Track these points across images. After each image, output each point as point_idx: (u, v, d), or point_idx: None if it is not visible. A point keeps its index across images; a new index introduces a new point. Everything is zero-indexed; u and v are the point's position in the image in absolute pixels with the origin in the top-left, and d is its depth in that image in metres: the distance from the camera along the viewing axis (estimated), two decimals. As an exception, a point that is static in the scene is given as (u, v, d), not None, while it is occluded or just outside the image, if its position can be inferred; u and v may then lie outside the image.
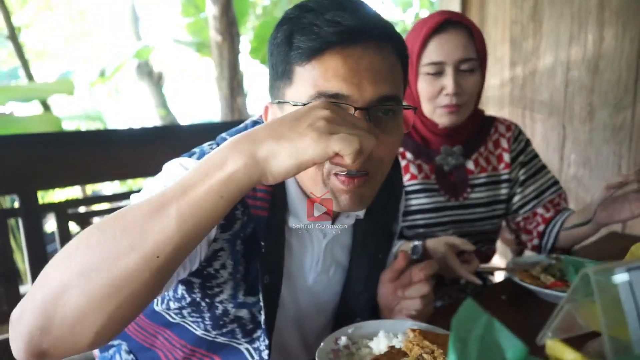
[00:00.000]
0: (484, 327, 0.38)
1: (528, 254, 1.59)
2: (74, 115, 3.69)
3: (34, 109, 3.41)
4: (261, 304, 0.81)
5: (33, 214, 1.39)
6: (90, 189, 3.57)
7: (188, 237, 0.55)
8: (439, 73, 1.24)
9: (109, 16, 4.84)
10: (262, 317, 0.83)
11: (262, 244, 0.79)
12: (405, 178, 1.34)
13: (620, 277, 0.38)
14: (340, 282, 0.98)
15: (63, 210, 1.48)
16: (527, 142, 1.43)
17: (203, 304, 0.81)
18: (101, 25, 5.97)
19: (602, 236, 1.53)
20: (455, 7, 2.54)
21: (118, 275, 0.53)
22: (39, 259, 1.39)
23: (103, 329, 0.55)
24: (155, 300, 0.86)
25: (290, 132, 0.57)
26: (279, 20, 0.77)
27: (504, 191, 1.41)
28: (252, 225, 0.79)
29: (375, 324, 0.85)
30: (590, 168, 2.23)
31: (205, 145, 0.83)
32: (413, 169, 1.35)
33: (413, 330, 0.77)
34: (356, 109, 0.70)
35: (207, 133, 1.52)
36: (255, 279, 0.81)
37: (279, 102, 0.77)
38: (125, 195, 1.68)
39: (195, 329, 0.87)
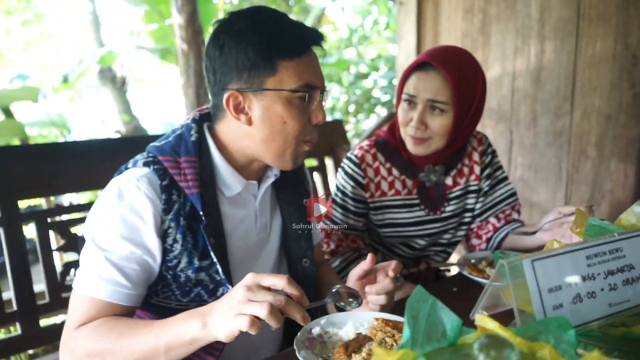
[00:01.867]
0: (430, 306, 0.51)
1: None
2: (37, 121, 3.66)
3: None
4: (214, 260, 0.98)
5: (14, 223, 1.44)
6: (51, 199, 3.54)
7: None
8: (412, 104, 1.34)
9: (68, 21, 4.79)
10: (220, 271, 0.99)
11: (201, 214, 0.96)
12: (390, 193, 1.44)
13: (527, 266, 0.52)
14: (279, 234, 1.18)
15: (43, 219, 1.53)
16: (494, 154, 1.53)
17: (168, 276, 0.99)
18: (60, 30, 5.87)
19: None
20: (411, 20, 2.70)
21: None
22: (20, 266, 1.45)
23: None
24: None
25: (227, 310, 0.81)
26: (252, 20, 0.95)
27: (471, 201, 1.51)
28: (189, 203, 0.97)
29: (343, 315, 0.97)
30: (535, 170, 2.43)
31: (138, 157, 1.00)
32: (398, 185, 1.44)
33: (377, 319, 0.90)
34: (322, 92, 1.00)
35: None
36: (204, 245, 0.99)
37: (260, 89, 0.95)
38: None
39: (170, 303, 1.01)
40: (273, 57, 0.93)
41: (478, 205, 1.53)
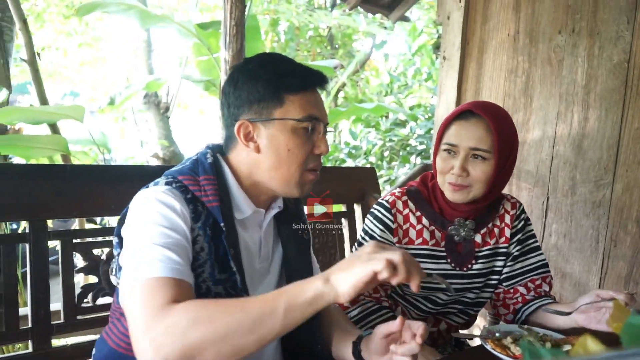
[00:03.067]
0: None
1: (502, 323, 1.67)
2: (80, 139, 3.79)
3: (41, 128, 3.51)
4: (234, 270, 1.02)
5: (41, 241, 1.46)
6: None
7: (285, 329, 0.82)
8: (453, 153, 1.35)
9: (123, 46, 5.03)
10: (239, 281, 1.03)
11: (222, 224, 1.02)
12: (418, 242, 1.43)
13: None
14: (278, 268, 1.22)
15: (70, 239, 1.55)
16: (527, 221, 1.51)
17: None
18: (114, 54, 6.15)
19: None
20: (453, 76, 2.70)
21: (239, 345, 0.81)
22: (41, 284, 1.46)
23: None
24: None
25: (349, 265, 0.83)
26: (263, 61, 1.08)
27: (499, 263, 1.48)
28: (212, 216, 1.02)
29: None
30: (570, 239, 2.34)
31: (157, 180, 1.05)
32: (426, 235, 1.43)
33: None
34: (325, 125, 1.10)
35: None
36: (224, 255, 1.03)
37: (269, 120, 1.04)
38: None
39: None
40: (280, 91, 1.04)
41: (506, 270, 1.49)
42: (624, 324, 0.64)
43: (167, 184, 1.02)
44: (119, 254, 1.03)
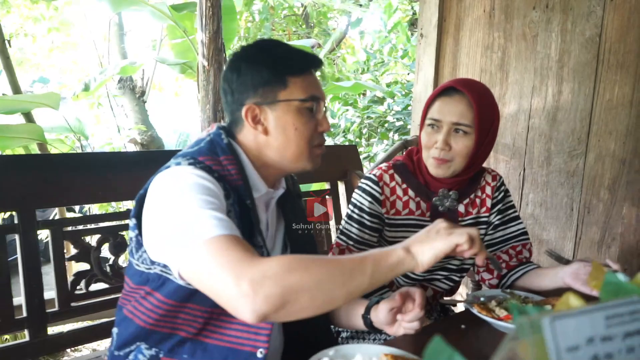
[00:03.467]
0: (447, 357, 0.52)
1: (485, 288, 1.75)
2: (56, 126, 3.72)
3: (14, 117, 3.44)
4: (261, 244, 1.07)
5: (31, 231, 1.47)
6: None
7: (370, 288, 0.88)
8: (436, 127, 1.41)
9: (93, 30, 4.90)
10: (265, 254, 1.08)
11: (248, 201, 1.07)
12: (404, 212, 1.50)
13: (546, 324, 0.53)
14: (280, 250, 1.25)
15: (59, 228, 1.55)
16: (507, 193, 1.59)
17: None
18: (85, 39, 6.00)
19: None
20: (431, 52, 2.74)
21: (331, 294, 0.85)
22: (33, 273, 1.47)
23: (313, 314, 0.86)
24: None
25: (427, 239, 0.93)
26: (263, 47, 1.13)
27: (481, 231, 1.57)
28: (237, 194, 1.06)
29: (353, 348, 0.98)
30: (546, 208, 2.43)
31: (175, 161, 1.05)
32: (412, 205, 1.50)
33: (386, 355, 0.91)
34: (325, 104, 1.16)
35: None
36: (250, 232, 1.07)
37: (274, 102, 1.08)
38: (112, 216, 1.76)
39: None
40: (283, 74, 1.09)
41: (487, 238, 1.58)
42: (602, 283, 0.70)
43: (190, 164, 1.01)
44: (137, 235, 1.05)
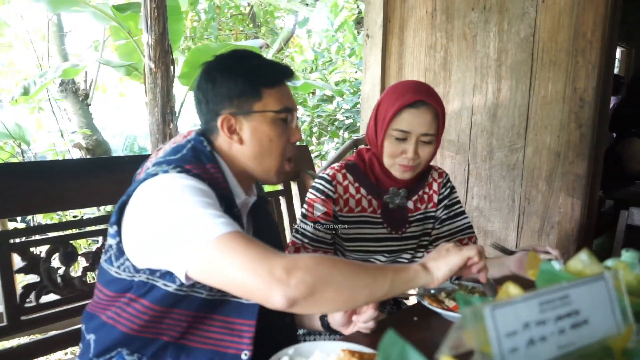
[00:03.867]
0: (400, 349, 0.56)
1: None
2: (-6, 133, 3.56)
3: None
4: None
5: (-25, 244, 1.42)
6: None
7: (388, 295, 0.94)
8: (403, 139, 1.45)
9: (31, 32, 4.68)
10: None
11: (235, 209, 1.10)
12: (357, 210, 1.56)
13: (487, 313, 0.58)
14: None
15: (5, 240, 1.50)
16: (452, 189, 1.67)
17: None
18: (22, 40, 5.72)
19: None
20: (377, 53, 2.81)
21: (354, 294, 0.91)
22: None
23: (335, 310, 1.02)
24: (175, 283, 0.99)
25: (440, 256, 1.02)
26: (238, 58, 1.15)
27: (429, 226, 1.65)
28: (226, 201, 1.07)
29: (312, 345, 1.02)
30: (490, 200, 2.55)
31: (160, 168, 1.03)
32: (364, 203, 1.56)
33: (343, 350, 0.95)
34: (296, 115, 1.19)
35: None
36: None
37: (249, 112, 1.11)
38: (62, 226, 1.72)
39: (201, 293, 1.02)
40: (258, 85, 1.11)
41: (434, 232, 1.66)
42: (538, 271, 0.77)
43: (179, 172, 1.01)
44: (118, 243, 1.03)
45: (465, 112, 2.57)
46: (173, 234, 0.91)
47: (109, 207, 4.13)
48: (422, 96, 1.43)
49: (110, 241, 1.05)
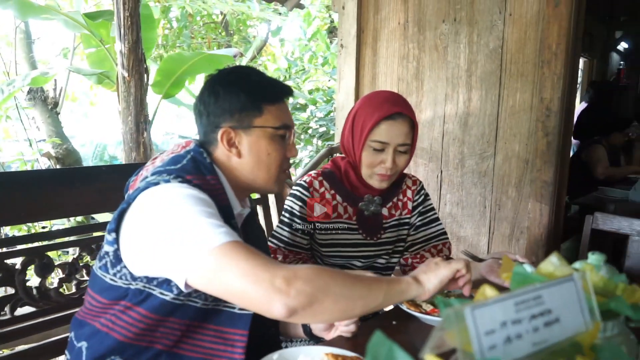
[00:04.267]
0: (387, 349, 0.59)
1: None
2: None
3: None
4: None
5: (-52, 257, 1.39)
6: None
7: (381, 306, 0.98)
8: (381, 150, 1.50)
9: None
10: None
11: (233, 221, 1.12)
12: (333, 216, 1.60)
13: (467, 313, 0.62)
14: None
15: (-21, 253, 1.48)
16: (427, 196, 1.73)
17: None
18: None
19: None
20: (351, 62, 2.86)
21: (350, 304, 0.93)
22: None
23: (332, 320, 1.01)
24: (172, 292, 1.00)
25: (430, 269, 1.08)
26: (242, 74, 1.20)
27: (404, 232, 1.70)
28: (223, 211, 1.08)
29: (295, 350, 1.04)
30: (462, 207, 2.62)
31: (160, 178, 1.04)
32: (340, 210, 1.60)
33: (326, 354, 0.97)
34: (294, 131, 1.24)
35: (122, 173, 1.62)
36: None
37: (249, 127, 1.15)
38: (39, 237, 1.70)
39: (197, 302, 1.04)
40: (260, 101, 1.15)
41: (410, 238, 1.71)
42: (511, 274, 0.81)
43: (180, 182, 1.03)
44: (115, 250, 1.04)
45: (438, 121, 2.64)
46: (174, 241, 0.93)
47: (79, 218, 4.06)
48: (399, 108, 1.49)
49: (107, 248, 1.06)
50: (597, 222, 2.10)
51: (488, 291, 0.76)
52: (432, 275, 1.05)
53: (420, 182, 1.74)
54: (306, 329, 1.23)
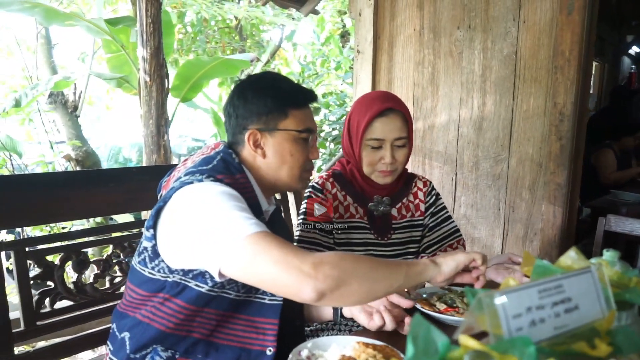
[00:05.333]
0: (425, 329, 0.66)
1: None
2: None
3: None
4: None
5: (-6, 252, 1.48)
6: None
7: (404, 286, 1.03)
8: (379, 147, 1.57)
9: (20, 42, 4.69)
10: None
11: (262, 217, 1.20)
12: (346, 215, 1.66)
13: (498, 299, 0.69)
14: None
15: (22, 248, 1.56)
16: (438, 196, 1.78)
17: None
18: (9, 52, 5.71)
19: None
20: (367, 68, 2.93)
21: (375, 285, 0.99)
22: (-2, 294, 1.47)
23: (358, 302, 1.04)
24: (207, 284, 1.09)
25: (449, 255, 1.14)
26: (270, 80, 1.29)
27: (417, 233, 1.74)
28: (253, 208, 1.13)
29: (328, 339, 1.11)
30: (477, 209, 2.68)
31: (194, 177, 1.12)
32: (352, 209, 1.66)
33: (358, 343, 1.04)
34: (317, 135, 1.29)
35: (152, 174, 1.70)
36: None
37: (275, 129, 1.23)
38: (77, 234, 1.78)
39: (230, 294, 1.12)
40: (286, 106, 1.23)
41: (425, 240, 1.75)
42: (533, 267, 0.88)
43: (213, 181, 1.10)
44: (154, 246, 1.12)
45: (452, 125, 2.71)
46: (208, 233, 0.99)
47: (98, 219, 4.15)
48: (389, 104, 1.56)
49: (146, 244, 1.14)
50: (609, 224, 2.16)
51: (511, 282, 0.83)
52: (449, 259, 1.10)
53: (431, 182, 1.79)
54: (336, 312, 1.29)
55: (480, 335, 0.73)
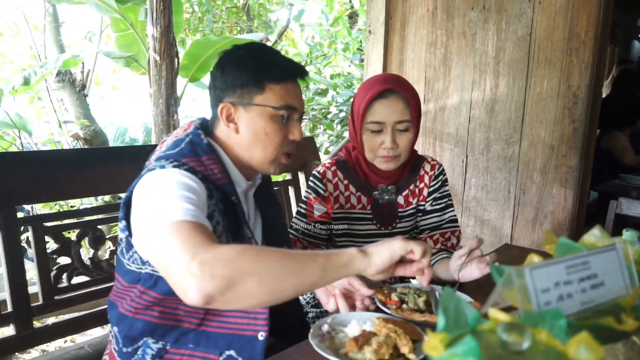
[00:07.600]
0: (455, 302, 0.67)
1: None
2: (-3, 122, 3.58)
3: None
4: (250, 236, 1.18)
5: (14, 227, 1.50)
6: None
7: (323, 280, 0.91)
8: (379, 131, 1.48)
9: (28, 22, 4.66)
10: (255, 244, 1.17)
11: (234, 198, 1.14)
12: (347, 206, 1.60)
13: (527, 273, 0.70)
14: (260, 239, 1.33)
15: (40, 224, 1.58)
16: (444, 182, 1.66)
17: None
18: (18, 31, 5.68)
19: (500, 247, 1.94)
20: (379, 49, 2.91)
21: (280, 283, 0.86)
22: (17, 269, 1.50)
23: (260, 303, 0.88)
24: None
25: (385, 243, 0.97)
26: (251, 50, 1.18)
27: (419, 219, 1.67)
28: (220, 192, 1.12)
29: (347, 315, 1.13)
30: (487, 191, 2.69)
31: (158, 163, 1.06)
32: (353, 200, 1.60)
33: (378, 319, 1.06)
34: (301, 114, 1.22)
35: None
36: (236, 227, 1.14)
37: (249, 104, 1.15)
38: (92, 211, 1.80)
39: None
40: (263, 79, 1.14)
41: (420, 224, 1.67)
42: (555, 245, 0.88)
43: (175, 167, 1.04)
44: (127, 236, 1.08)
45: (464, 107, 2.70)
46: (145, 219, 0.96)
47: (107, 197, 4.18)
48: (390, 85, 1.46)
49: (121, 235, 1.11)
50: (621, 207, 2.16)
51: (535, 258, 0.84)
52: (383, 248, 0.94)
53: (441, 165, 1.67)
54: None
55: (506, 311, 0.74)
